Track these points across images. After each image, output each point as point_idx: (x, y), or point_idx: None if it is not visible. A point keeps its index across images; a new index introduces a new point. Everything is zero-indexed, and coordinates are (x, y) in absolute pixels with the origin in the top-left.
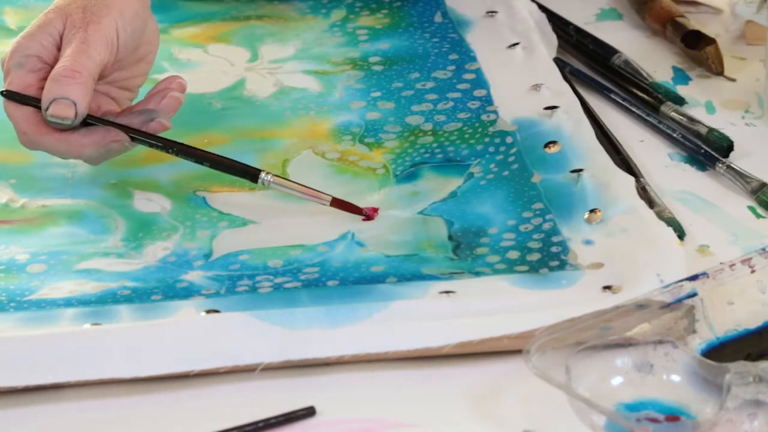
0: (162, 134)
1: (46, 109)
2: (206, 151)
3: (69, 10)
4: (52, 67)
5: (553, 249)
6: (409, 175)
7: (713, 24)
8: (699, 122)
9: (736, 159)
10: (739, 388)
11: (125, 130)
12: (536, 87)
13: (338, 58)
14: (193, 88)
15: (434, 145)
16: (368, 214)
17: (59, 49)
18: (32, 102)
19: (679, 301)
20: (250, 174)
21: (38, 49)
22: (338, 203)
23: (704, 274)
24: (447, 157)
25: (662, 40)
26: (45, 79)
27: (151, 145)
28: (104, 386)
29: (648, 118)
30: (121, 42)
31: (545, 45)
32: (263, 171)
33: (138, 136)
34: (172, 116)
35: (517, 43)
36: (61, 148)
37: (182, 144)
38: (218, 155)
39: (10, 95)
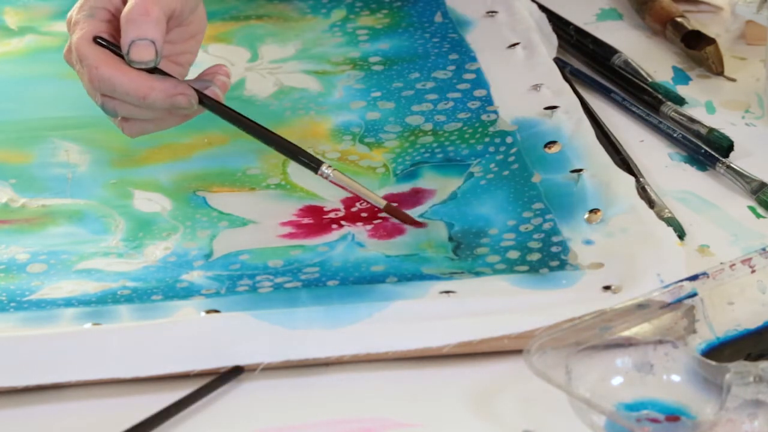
0: None
1: (127, 53)
2: (272, 132)
3: None
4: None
5: (553, 249)
6: (409, 174)
7: (713, 24)
8: (699, 122)
9: (736, 159)
10: (739, 388)
11: (196, 91)
12: (536, 87)
13: (338, 58)
14: None
15: (434, 144)
16: (420, 224)
17: (126, 3)
18: (116, 49)
19: (679, 301)
20: (311, 165)
21: (105, 3)
22: (391, 210)
23: (704, 274)
24: (447, 156)
25: (662, 40)
26: (116, 29)
27: (216, 111)
28: (104, 386)
29: (648, 118)
30: None
31: (545, 45)
32: (325, 164)
33: (206, 101)
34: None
35: (517, 43)
36: (130, 86)
37: (248, 119)
38: (284, 138)
39: (100, 41)
